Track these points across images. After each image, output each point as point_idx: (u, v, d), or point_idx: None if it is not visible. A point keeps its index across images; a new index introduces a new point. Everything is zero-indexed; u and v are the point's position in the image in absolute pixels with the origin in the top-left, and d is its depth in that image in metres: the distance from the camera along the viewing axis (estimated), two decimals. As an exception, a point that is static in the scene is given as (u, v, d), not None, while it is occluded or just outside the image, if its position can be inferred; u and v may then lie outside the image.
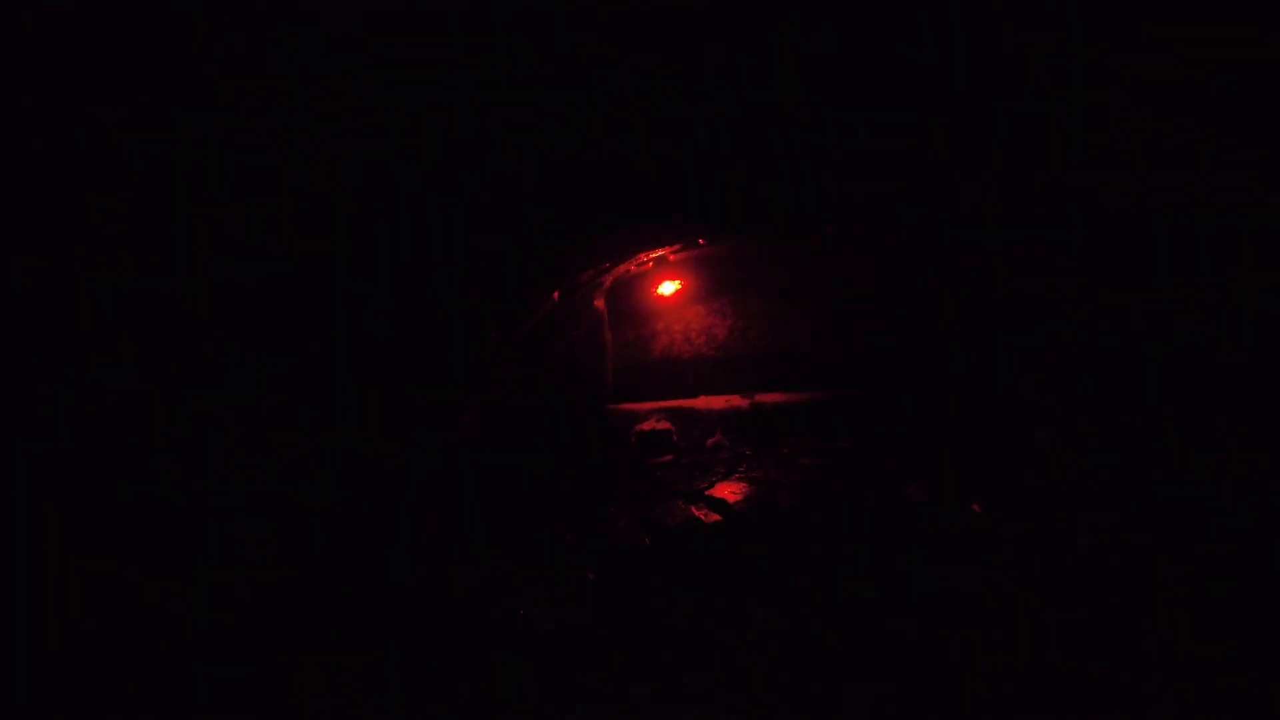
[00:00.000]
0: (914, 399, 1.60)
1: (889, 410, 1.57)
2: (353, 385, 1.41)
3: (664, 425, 1.70)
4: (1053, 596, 1.31)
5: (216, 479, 1.37)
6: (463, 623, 1.31)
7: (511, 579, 1.33)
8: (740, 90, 1.43)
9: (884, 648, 1.20)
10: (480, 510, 1.46)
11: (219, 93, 1.40)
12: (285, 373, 1.39)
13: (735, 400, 1.70)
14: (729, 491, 1.28)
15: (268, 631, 1.35)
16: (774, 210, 1.49)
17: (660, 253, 1.74)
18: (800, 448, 1.43)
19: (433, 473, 1.42)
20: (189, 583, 1.35)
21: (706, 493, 1.31)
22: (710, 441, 1.66)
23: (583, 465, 1.65)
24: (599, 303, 1.86)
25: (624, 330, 2.01)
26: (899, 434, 1.50)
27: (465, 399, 1.46)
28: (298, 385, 1.40)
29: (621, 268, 1.75)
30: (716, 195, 1.47)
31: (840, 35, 1.40)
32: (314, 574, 1.38)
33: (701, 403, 1.78)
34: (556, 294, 1.55)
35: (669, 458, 1.59)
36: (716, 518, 1.26)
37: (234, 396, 1.38)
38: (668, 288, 1.96)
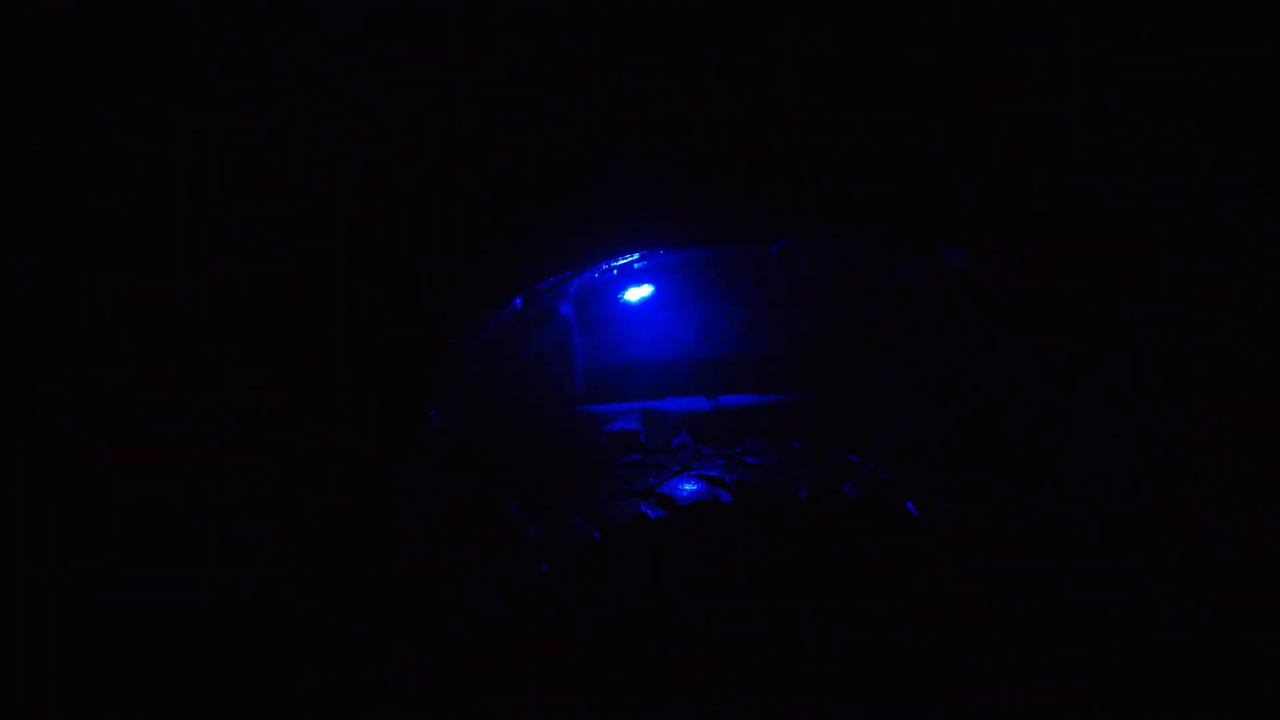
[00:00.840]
0: (879, 401, 1.67)
1: (849, 412, 1.67)
2: (350, 386, 1.41)
3: (632, 426, 1.80)
4: (1031, 598, 1.31)
5: (215, 478, 1.37)
6: (432, 618, 1.32)
7: (477, 574, 1.35)
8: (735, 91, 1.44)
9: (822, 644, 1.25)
10: (450, 510, 1.48)
11: (219, 93, 1.40)
12: (285, 373, 1.40)
13: (700, 402, 1.82)
14: (677, 488, 1.36)
15: (264, 631, 1.35)
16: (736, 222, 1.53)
17: (626, 261, 1.80)
18: (749, 447, 1.53)
19: (405, 474, 1.43)
20: (187, 582, 1.35)
21: (656, 490, 1.39)
22: (675, 440, 1.77)
23: (551, 465, 1.72)
24: (566, 309, 1.90)
25: (594, 335, 2.06)
26: (854, 434, 1.61)
27: (432, 402, 1.47)
28: (298, 385, 1.40)
29: (585, 275, 1.80)
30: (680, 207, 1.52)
31: (839, 36, 1.40)
32: (313, 574, 1.38)
33: (669, 404, 1.91)
34: (519, 301, 1.59)
35: (636, 456, 1.67)
36: (663, 512, 1.35)
37: (234, 396, 1.38)
38: (636, 293, 2.03)
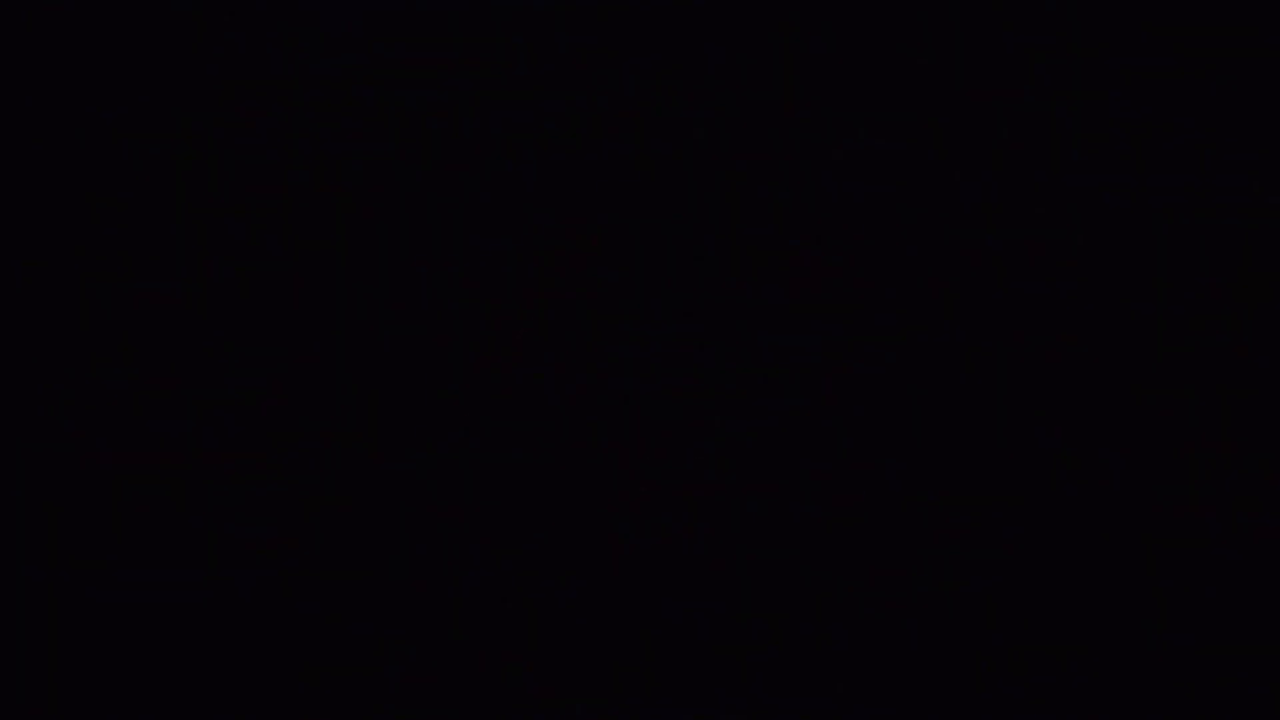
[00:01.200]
0: (902, 398, 1.64)
1: (875, 407, 1.63)
2: (353, 386, 1.41)
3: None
4: (1047, 596, 1.31)
5: (215, 478, 1.37)
6: (463, 623, 1.31)
7: (511, 577, 1.34)
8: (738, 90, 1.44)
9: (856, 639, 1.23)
10: (479, 510, 1.47)
11: (219, 93, 1.40)
12: (286, 373, 1.40)
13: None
14: (716, 481, 1.32)
15: (268, 631, 1.35)
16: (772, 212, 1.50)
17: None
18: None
19: (433, 473, 1.42)
20: (187, 582, 1.35)
21: (695, 482, 1.36)
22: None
23: (584, 459, 1.68)
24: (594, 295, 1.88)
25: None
26: (881, 429, 1.58)
27: (464, 398, 1.46)
28: (299, 386, 1.40)
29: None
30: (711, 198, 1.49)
31: (839, 36, 1.40)
32: (314, 574, 1.38)
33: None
34: (552, 290, 1.56)
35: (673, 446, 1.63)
36: (705, 507, 1.32)
37: (234, 396, 1.38)
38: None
